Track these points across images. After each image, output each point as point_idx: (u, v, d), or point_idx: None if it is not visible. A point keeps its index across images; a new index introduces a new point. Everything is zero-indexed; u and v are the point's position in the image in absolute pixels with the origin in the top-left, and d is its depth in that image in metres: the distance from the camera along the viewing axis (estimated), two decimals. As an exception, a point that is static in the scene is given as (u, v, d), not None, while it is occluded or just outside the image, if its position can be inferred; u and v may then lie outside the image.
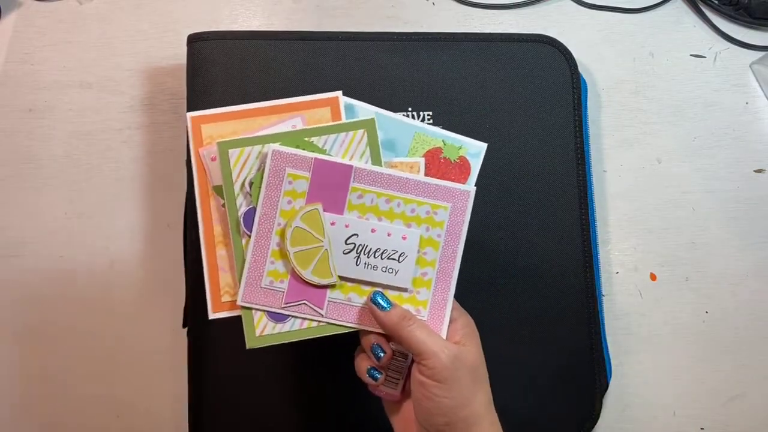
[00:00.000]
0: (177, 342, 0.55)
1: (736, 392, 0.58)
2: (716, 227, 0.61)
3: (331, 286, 0.42)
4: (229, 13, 0.63)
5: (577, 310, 0.55)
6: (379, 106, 0.45)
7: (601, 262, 0.59)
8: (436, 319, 0.42)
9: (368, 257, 0.42)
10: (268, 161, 0.41)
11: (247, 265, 0.42)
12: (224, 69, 0.55)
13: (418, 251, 0.42)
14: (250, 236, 0.41)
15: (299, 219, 0.41)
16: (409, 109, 0.56)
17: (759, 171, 0.62)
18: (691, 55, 0.65)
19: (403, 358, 0.43)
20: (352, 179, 0.42)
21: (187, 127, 0.43)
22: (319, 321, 0.42)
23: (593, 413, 0.54)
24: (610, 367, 0.56)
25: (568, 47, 0.59)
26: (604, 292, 0.59)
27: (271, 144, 0.41)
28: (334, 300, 0.42)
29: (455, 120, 0.56)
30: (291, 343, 0.42)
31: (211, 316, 0.43)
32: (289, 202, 0.41)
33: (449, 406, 0.39)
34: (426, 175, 0.43)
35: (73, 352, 0.56)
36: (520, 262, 0.55)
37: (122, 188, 0.58)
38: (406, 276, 0.42)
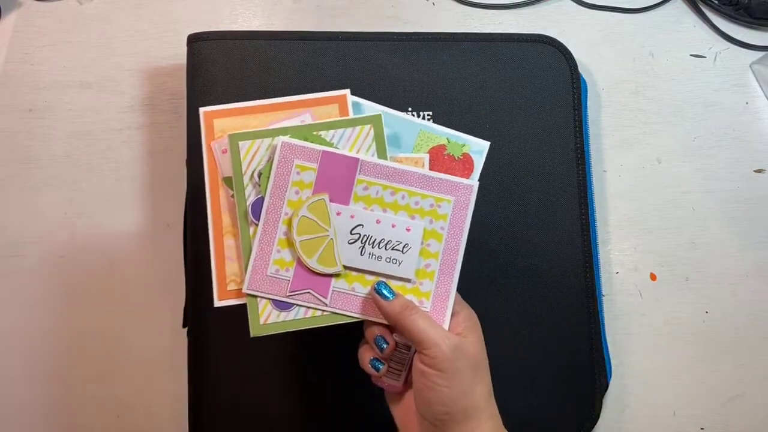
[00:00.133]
0: (177, 342, 0.55)
1: (736, 392, 0.58)
2: (716, 227, 0.61)
3: (336, 276, 0.43)
4: (229, 13, 0.63)
5: (577, 310, 0.55)
6: (380, 106, 0.45)
7: (601, 262, 0.59)
8: (438, 311, 0.43)
9: (373, 247, 0.42)
10: (277, 152, 0.42)
11: (253, 254, 0.42)
12: (224, 69, 0.55)
13: (422, 243, 0.43)
14: (257, 225, 0.42)
15: (306, 208, 0.42)
16: (410, 109, 0.56)
17: (759, 171, 0.62)
18: (691, 55, 0.65)
19: (406, 350, 0.43)
20: (358, 171, 0.43)
21: (199, 120, 0.45)
22: (323, 310, 0.43)
23: (593, 413, 0.54)
24: (610, 367, 0.56)
25: (568, 47, 0.59)
26: (604, 292, 0.59)
27: (280, 136, 0.43)
28: (339, 290, 0.43)
29: (455, 120, 0.56)
30: (293, 336, 0.43)
31: (217, 303, 0.44)
32: (297, 193, 0.42)
33: (449, 395, 0.39)
34: (430, 170, 0.44)
35: (73, 352, 0.56)
36: (520, 262, 0.55)
37: (122, 188, 0.58)
38: (409, 267, 0.42)
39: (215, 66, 0.55)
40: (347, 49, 0.57)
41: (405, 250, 0.42)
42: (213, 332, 0.52)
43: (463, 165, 0.46)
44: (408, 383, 0.43)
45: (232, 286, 0.44)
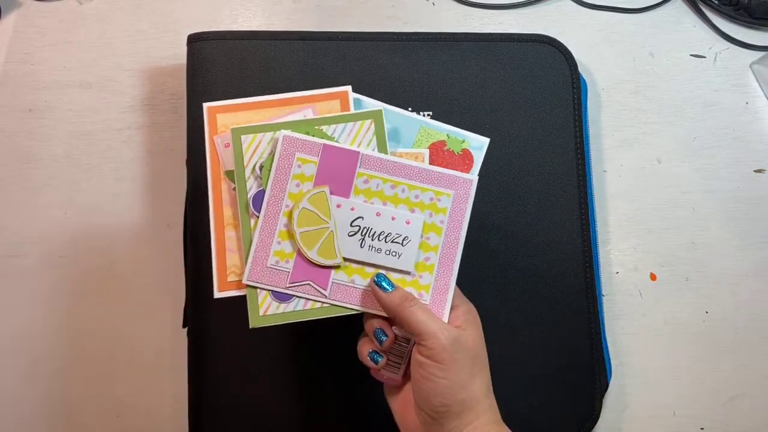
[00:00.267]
0: (177, 342, 0.55)
1: (736, 392, 0.58)
2: (716, 227, 0.61)
3: (336, 268, 0.43)
4: (229, 13, 0.63)
5: (577, 310, 0.55)
6: (380, 106, 0.46)
7: (601, 262, 0.59)
8: (437, 304, 0.43)
9: (372, 240, 0.43)
10: (279, 145, 0.43)
11: (254, 245, 0.43)
12: (224, 69, 0.55)
13: (422, 236, 0.43)
14: (258, 217, 0.43)
15: (307, 201, 0.42)
16: (410, 108, 0.56)
17: (759, 171, 0.62)
18: (691, 55, 0.65)
19: (405, 343, 0.43)
20: (358, 165, 0.43)
21: (200, 119, 0.46)
22: (323, 302, 0.43)
23: (593, 413, 0.54)
24: (610, 367, 0.56)
25: (568, 47, 0.59)
26: (604, 292, 0.59)
27: (282, 130, 0.43)
28: (338, 281, 0.43)
29: (455, 120, 0.56)
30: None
31: (217, 294, 0.44)
32: (298, 185, 0.43)
33: (447, 386, 0.39)
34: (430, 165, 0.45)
35: (73, 352, 0.56)
36: (520, 262, 0.55)
37: (122, 188, 0.58)
38: (409, 259, 0.43)
39: (215, 66, 0.55)
40: (347, 49, 0.57)
41: (405, 242, 0.43)
42: (213, 332, 0.52)
43: (463, 160, 0.47)
44: (407, 377, 0.44)
45: (232, 278, 0.44)
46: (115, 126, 0.60)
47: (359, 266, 0.43)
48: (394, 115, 0.46)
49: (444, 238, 0.43)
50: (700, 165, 0.62)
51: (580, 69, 0.59)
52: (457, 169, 0.45)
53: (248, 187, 0.43)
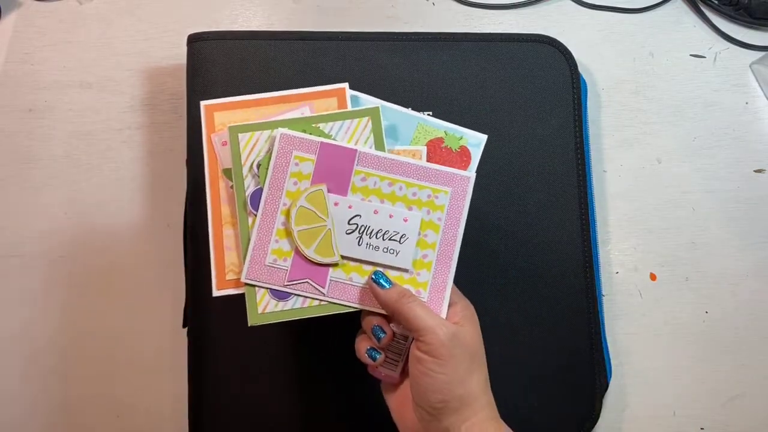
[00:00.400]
0: (177, 342, 0.55)
1: (736, 392, 0.58)
2: (716, 227, 0.61)
3: (334, 265, 0.43)
4: (229, 13, 0.63)
5: (577, 310, 0.55)
6: (379, 106, 0.46)
7: (601, 262, 0.59)
8: (435, 301, 0.43)
9: (370, 238, 0.43)
10: (276, 143, 0.43)
11: (252, 243, 0.43)
12: (224, 69, 0.55)
13: (419, 233, 0.43)
14: (256, 215, 0.43)
15: (304, 199, 0.42)
16: (410, 108, 0.56)
17: (759, 171, 0.62)
18: (691, 55, 0.65)
19: (403, 340, 0.43)
20: (356, 162, 0.43)
21: (200, 117, 0.46)
22: (321, 300, 0.43)
23: (593, 413, 0.54)
24: (610, 367, 0.56)
25: (568, 47, 0.59)
26: (604, 292, 0.59)
27: (279, 128, 0.43)
28: (336, 279, 0.43)
29: (455, 120, 0.55)
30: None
31: (215, 293, 0.44)
32: (295, 183, 0.43)
33: (445, 382, 0.39)
34: (428, 162, 0.45)
35: (73, 351, 0.56)
36: (520, 262, 0.55)
37: (122, 188, 0.58)
38: (406, 257, 0.43)
39: (215, 66, 0.55)
40: (347, 49, 0.57)
41: (402, 240, 0.43)
42: (213, 332, 0.52)
43: (461, 157, 0.47)
44: (404, 374, 0.44)
45: (230, 276, 0.44)
46: (115, 126, 0.60)
47: (357, 264, 0.43)
48: (392, 112, 0.46)
49: (442, 236, 0.43)
50: (700, 165, 0.62)
51: (580, 69, 0.59)
52: (454, 166, 0.45)
53: (246, 185, 0.43)
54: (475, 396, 0.40)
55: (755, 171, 0.62)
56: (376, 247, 0.43)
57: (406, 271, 0.43)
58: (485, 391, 0.41)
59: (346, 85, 0.46)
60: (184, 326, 0.54)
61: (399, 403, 0.43)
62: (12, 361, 0.56)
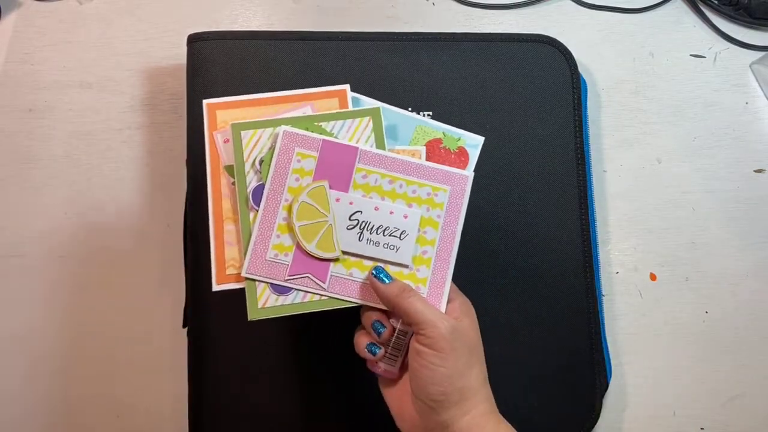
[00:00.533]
0: (177, 342, 0.55)
1: (736, 392, 0.58)
2: (716, 227, 0.61)
3: (334, 261, 0.43)
4: (229, 13, 0.63)
5: (577, 310, 0.55)
6: (379, 106, 0.46)
7: (601, 262, 0.59)
8: (435, 297, 0.43)
9: (371, 233, 0.43)
10: (279, 140, 0.43)
11: (253, 238, 0.43)
12: (224, 69, 0.55)
13: (419, 230, 0.43)
14: (257, 211, 0.43)
15: (306, 194, 0.43)
16: (409, 108, 0.56)
17: (759, 171, 0.62)
18: (691, 55, 0.65)
19: (403, 335, 0.44)
20: (357, 160, 0.43)
21: (201, 118, 0.46)
22: (321, 295, 0.43)
23: (593, 413, 0.54)
24: (610, 367, 0.56)
25: (568, 47, 0.59)
26: (604, 292, 0.59)
27: (282, 125, 0.44)
28: (337, 275, 0.43)
29: (455, 120, 0.56)
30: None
31: (215, 288, 0.44)
32: (297, 179, 0.43)
33: (445, 375, 0.39)
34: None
35: (73, 352, 0.56)
36: (520, 262, 0.55)
37: (122, 188, 0.58)
38: (406, 253, 0.43)
39: (215, 66, 0.55)
40: (347, 49, 0.57)
41: (402, 236, 0.43)
42: (213, 332, 0.52)
43: (459, 158, 0.48)
44: (403, 369, 0.44)
45: (231, 270, 0.44)
46: (115, 126, 0.60)
47: (357, 259, 0.43)
48: (391, 113, 0.47)
49: (441, 233, 0.44)
50: (700, 165, 0.62)
51: (580, 69, 0.59)
52: (453, 167, 0.45)
53: (248, 181, 0.44)
54: (474, 390, 0.40)
55: (755, 171, 0.62)
56: (377, 243, 0.43)
57: (406, 266, 0.43)
58: (484, 385, 0.42)
59: (347, 86, 0.47)
60: (184, 326, 0.54)
61: (398, 398, 0.44)
62: (12, 361, 0.55)
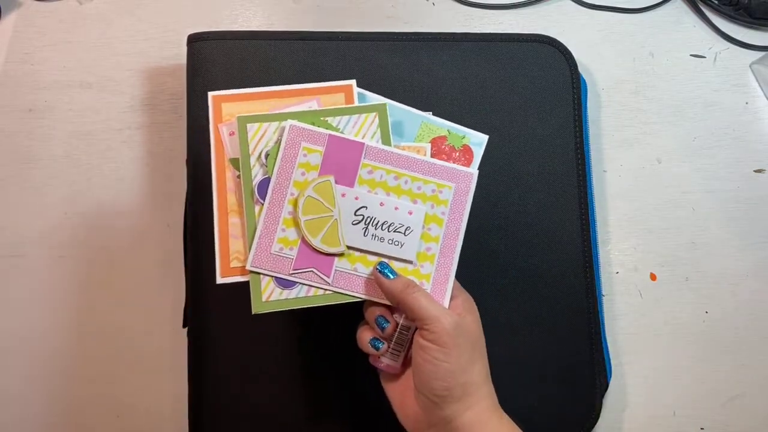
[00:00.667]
0: (177, 342, 0.55)
1: (736, 392, 0.58)
2: (716, 227, 0.61)
3: (339, 255, 0.43)
4: (229, 13, 0.63)
5: (577, 310, 0.55)
6: (379, 106, 0.46)
7: (601, 262, 0.59)
8: (438, 293, 0.44)
9: (376, 229, 0.43)
10: (285, 134, 0.43)
11: (258, 232, 0.43)
12: (224, 69, 0.55)
13: (423, 227, 0.44)
14: (263, 204, 0.43)
15: (312, 189, 0.43)
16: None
17: (759, 171, 0.62)
18: (691, 55, 0.65)
19: (405, 331, 0.44)
20: (363, 156, 0.44)
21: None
22: (326, 289, 0.43)
23: (593, 413, 0.54)
24: (610, 367, 0.56)
25: (568, 47, 0.59)
26: (604, 292, 0.59)
27: (289, 119, 0.44)
28: (341, 269, 0.43)
29: (455, 120, 0.55)
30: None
31: (219, 280, 0.44)
32: (303, 174, 0.43)
33: (449, 370, 0.40)
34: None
35: (74, 351, 0.56)
36: (520, 262, 0.55)
37: (122, 188, 0.58)
38: (411, 249, 0.43)
39: (215, 66, 0.55)
40: (347, 49, 0.57)
41: (407, 232, 0.43)
42: (213, 332, 0.52)
43: (463, 155, 0.48)
44: (405, 365, 0.44)
45: (235, 264, 0.44)
46: (115, 126, 0.60)
47: (362, 255, 0.44)
48: (397, 109, 0.47)
49: (445, 230, 0.44)
50: (700, 165, 0.62)
51: (580, 69, 0.59)
52: (457, 164, 0.46)
53: (254, 175, 0.44)
54: (477, 385, 0.41)
55: (755, 171, 0.62)
56: (381, 239, 0.43)
57: (410, 262, 0.44)
58: (486, 380, 0.42)
59: (353, 82, 0.47)
60: (184, 326, 0.54)
61: (400, 393, 0.44)
62: (12, 361, 0.56)
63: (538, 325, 0.55)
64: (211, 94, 0.46)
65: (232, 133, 0.45)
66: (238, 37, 0.56)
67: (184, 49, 0.56)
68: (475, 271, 0.54)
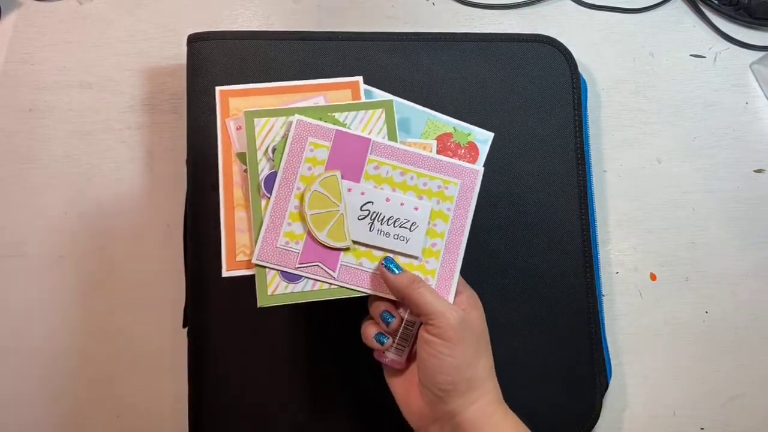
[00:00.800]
0: (177, 342, 0.55)
1: (736, 392, 0.58)
2: (716, 227, 0.61)
3: (345, 250, 0.43)
4: (229, 13, 0.63)
5: (577, 310, 0.55)
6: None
7: (601, 262, 0.59)
8: (443, 289, 0.44)
9: (381, 224, 0.43)
10: (293, 129, 0.44)
11: (264, 226, 0.43)
12: (224, 69, 0.55)
13: (429, 222, 0.44)
14: (269, 198, 0.43)
15: (318, 183, 0.43)
16: (410, 108, 0.56)
17: (759, 171, 0.62)
18: (691, 55, 0.65)
19: (410, 326, 0.44)
20: (369, 151, 0.44)
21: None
22: (331, 284, 0.43)
23: (593, 413, 0.54)
24: (610, 367, 0.56)
25: (568, 47, 0.59)
26: (604, 292, 0.59)
27: (296, 114, 0.44)
28: (347, 264, 0.43)
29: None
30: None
31: (225, 273, 0.44)
32: (309, 168, 0.44)
33: (454, 364, 0.40)
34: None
35: (74, 352, 0.56)
36: (520, 262, 0.55)
37: (122, 188, 0.58)
38: (416, 244, 0.44)
39: (215, 66, 0.55)
40: (347, 49, 0.57)
41: (413, 228, 0.43)
42: (213, 332, 0.52)
43: (469, 152, 0.48)
44: (409, 359, 0.44)
45: (241, 257, 0.44)
46: (115, 126, 0.60)
47: (367, 249, 0.44)
48: (403, 106, 0.47)
49: (450, 226, 0.44)
50: (700, 165, 0.62)
51: (580, 69, 0.59)
52: (463, 161, 0.46)
53: (260, 169, 0.44)
54: (481, 379, 0.41)
55: (755, 171, 0.62)
56: (387, 234, 0.43)
57: (415, 258, 0.44)
58: (491, 375, 0.42)
59: (360, 78, 0.47)
60: (184, 326, 0.54)
61: (404, 388, 0.44)
62: (12, 361, 0.55)
63: (538, 325, 0.55)
64: (218, 88, 0.46)
65: (239, 128, 0.45)
66: (238, 37, 0.56)
67: (184, 49, 0.56)
68: (475, 270, 0.54)
